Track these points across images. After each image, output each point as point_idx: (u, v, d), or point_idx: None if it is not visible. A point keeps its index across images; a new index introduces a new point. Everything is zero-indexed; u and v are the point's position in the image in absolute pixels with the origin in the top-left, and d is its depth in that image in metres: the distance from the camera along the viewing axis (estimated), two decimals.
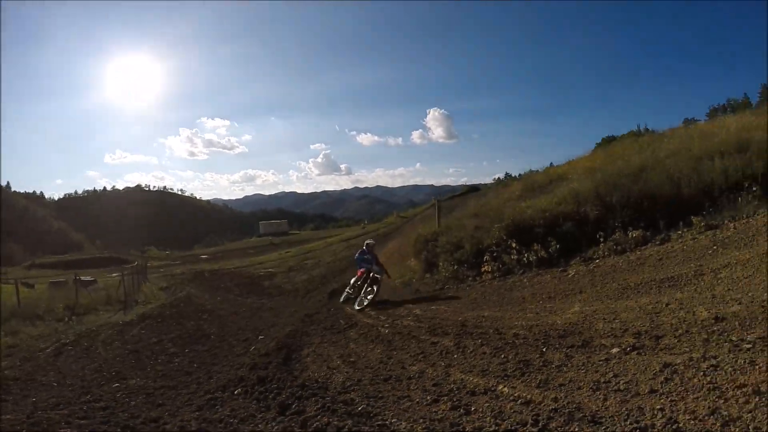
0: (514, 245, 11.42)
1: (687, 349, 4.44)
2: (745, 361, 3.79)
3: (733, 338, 4.44)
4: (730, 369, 3.73)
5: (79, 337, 10.50)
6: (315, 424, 4.25)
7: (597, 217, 11.28)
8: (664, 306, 6.22)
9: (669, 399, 3.52)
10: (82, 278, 20.91)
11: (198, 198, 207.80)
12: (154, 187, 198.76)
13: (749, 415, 3.04)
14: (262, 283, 23.00)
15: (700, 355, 4.16)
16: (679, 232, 10.10)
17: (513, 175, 30.36)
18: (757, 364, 3.68)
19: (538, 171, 22.52)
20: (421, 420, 4.07)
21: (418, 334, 7.65)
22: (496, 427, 3.70)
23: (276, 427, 4.40)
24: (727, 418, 3.06)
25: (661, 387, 3.74)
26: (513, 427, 3.64)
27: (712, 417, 3.12)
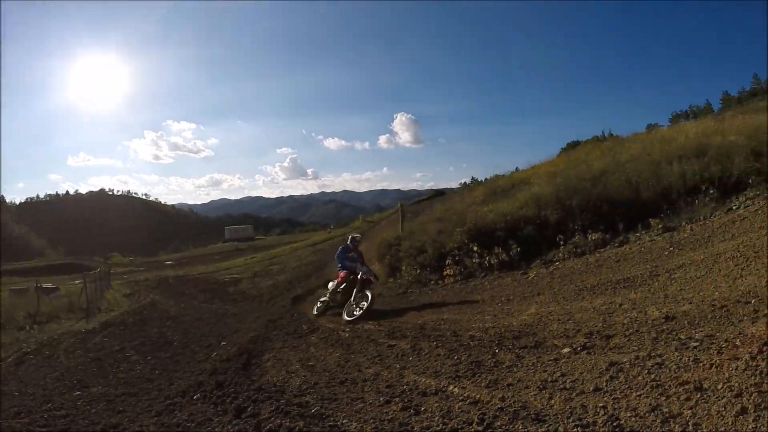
0: (475, 249, 11.46)
1: (635, 348, 4.48)
2: (689, 359, 3.82)
3: (681, 337, 4.49)
4: (674, 367, 3.76)
5: (41, 346, 10.25)
6: (268, 426, 4.30)
7: (557, 221, 11.37)
8: (617, 306, 6.28)
9: (612, 397, 3.54)
10: (44, 286, 20.33)
11: (163, 203, 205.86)
12: (118, 191, 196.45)
13: (689, 411, 3.07)
14: (227, 288, 22.73)
15: (646, 353, 4.20)
16: (638, 234, 10.24)
17: (479, 180, 30.45)
18: (701, 362, 3.71)
19: (503, 175, 22.62)
20: (372, 420, 4.11)
21: (377, 337, 7.66)
22: (443, 427, 3.72)
23: (231, 430, 4.46)
24: (667, 415, 3.09)
25: (606, 385, 3.76)
26: (459, 426, 3.66)
27: (652, 414, 3.15)
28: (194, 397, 5.79)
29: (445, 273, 11.89)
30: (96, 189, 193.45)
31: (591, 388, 3.77)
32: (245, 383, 6.11)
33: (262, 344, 8.72)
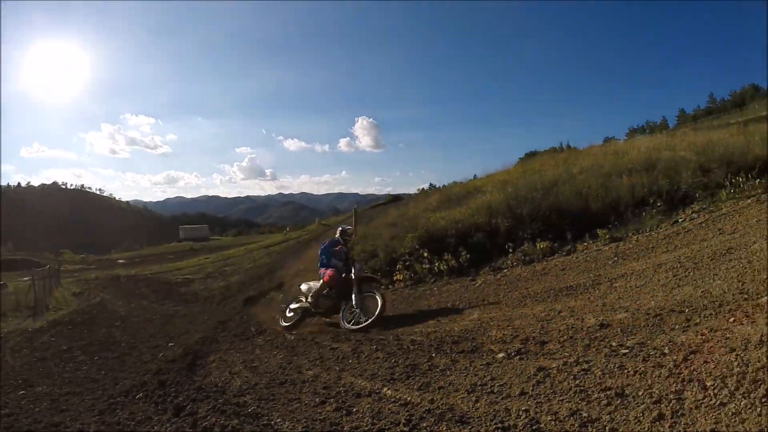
0: (425, 255, 11.43)
1: (567, 354, 4.53)
2: (615, 366, 3.89)
3: (613, 344, 4.56)
4: (599, 373, 3.83)
5: None
6: (204, 424, 4.40)
7: (508, 229, 11.43)
8: (556, 313, 6.34)
9: (536, 401, 3.59)
10: None
11: (118, 199, 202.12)
12: (72, 185, 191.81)
13: (608, 416, 3.14)
14: (179, 289, 22.26)
15: (574, 359, 4.27)
16: (585, 243, 10.38)
17: (437, 186, 30.50)
18: (626, 368, 3.78)
19: (459, 183, 22.67)
20: (305, 420, 4.18)
21: (321, 340, 7.67)
22: (372, 427, 3.79)
23: (169, 428, 4.52)
24: (586, 419, 3.15)
25: (532, 390, 3.81)
26: (387, 427, 3.74)
27: (571, 418, 3.21)
28: (137, 397, 5.80)
29: (395, 278, 11.77)
30: (49, 182, 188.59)
31: (517, 392, 3.83)
32: (187, 383, 6.12)
33: (209, 346, 8.62)
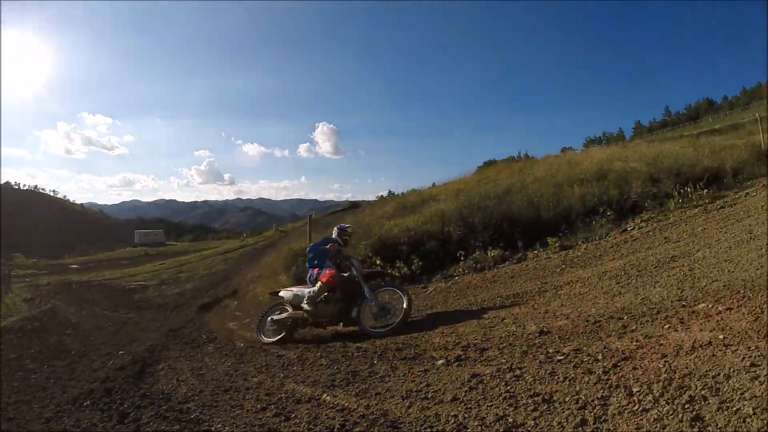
0: (378, 262, 11.37)
1: (504, 361, 4.58)
2: (546, 372, 3.96)
3: (550, 350, 4.62)
4: (531, 379, 3.89)
5: None
6: (147, 430, 4.57)
7: (460, 237, 11.52)
8: (500, 320, 6.39)
9: (466, 407, 3.65)
10: None
11: (71, 201, 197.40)
12: (25, 185, 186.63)
13: (533, 421, 3.19)
14: (133, 296, 21.75)
15: (508, 366, 4.33)
16: (536, 251, 10.52)
17: (396, 194, 30.55)
18: (557, 375, 3.85)
19: (416, 190, 22.69)
20: (244, 426, 4.25)
21: (269, 347, 7.69)
22: None
23: None
24: (511, 425, 3.21)
25: (464, 396, 3.88)
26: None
27: (498, 423, 3.28)
28: (84, 404, 5.82)
29: None
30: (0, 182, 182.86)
31: (449, 398, 3.88)
32: (133, 391, 6.14)
33: (159, 353, 8.52)
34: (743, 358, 3.34)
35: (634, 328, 4.75)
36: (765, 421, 2.64)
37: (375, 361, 5.62)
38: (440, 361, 5.03)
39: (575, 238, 10.68)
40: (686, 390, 3.07)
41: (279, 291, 9.11)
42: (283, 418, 4.25)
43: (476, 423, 3.33)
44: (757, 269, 5.85)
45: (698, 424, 2.76)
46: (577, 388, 3.46)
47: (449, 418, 3.50)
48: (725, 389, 3.00)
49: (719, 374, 3.18)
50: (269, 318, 8.44)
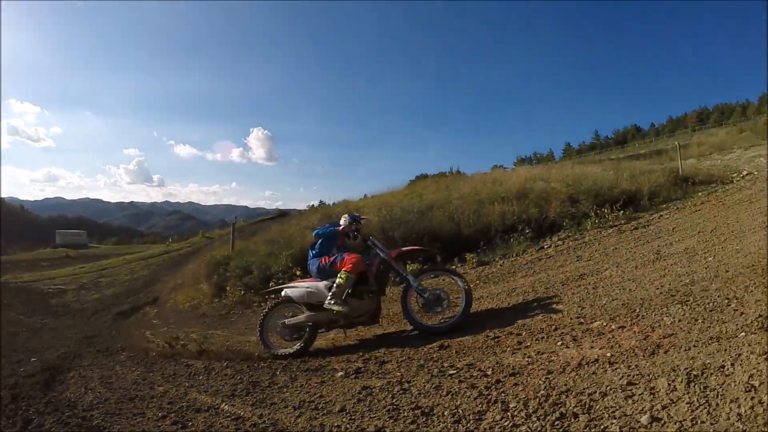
0: (297, 273, 11.27)
1: (399, 374, 4.70)
2: (433, 386, 4.07)
3: (445, 365, 4.74)
4: (416, 392, 4.00)
5: None
6: None
7: None
8: (407, 334, 6.55)
9: (350, 418, 3.75)
10: None
11: None
12: None
13: None
14: (50, 300, 21.00)
15: (398, 379, 4.46)
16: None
17: (328, 204, 30.47)
18: (442, 389, 3.96)
19: (351, 201, 22.71)
20: None
21: (180, 357, 7.58)
22: None
23: None
24: None
25: (351, 407, 3.97)
26: None
27: None
28: None
29: (267, 296, 11.56)
30: None
31: (337, 409, 3.98)
32: (40, 398, 6.03)
33: (72, 361, 8.31)
34: (622, 376, 3.48)
35: (529, 344, 4.92)
36: None
37: (278, 372, 5.67)
38: (340, 373, 5.10)
39: (493, 254, 10.93)
40: (560, 407, 3.19)
41: (274, 287, 8.09)
42: (180, 426, 4.29)
43: None
44: (657, 288, 6.17)
45: None
46: (458, 402, 3.55)
47: (333, 429, 3.59)
48: (597, 407, 3.11)
49: (596, 392, 3.30)
50: (281, 322, 6.76)
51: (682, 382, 3.17)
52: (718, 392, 2.97)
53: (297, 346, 6.51)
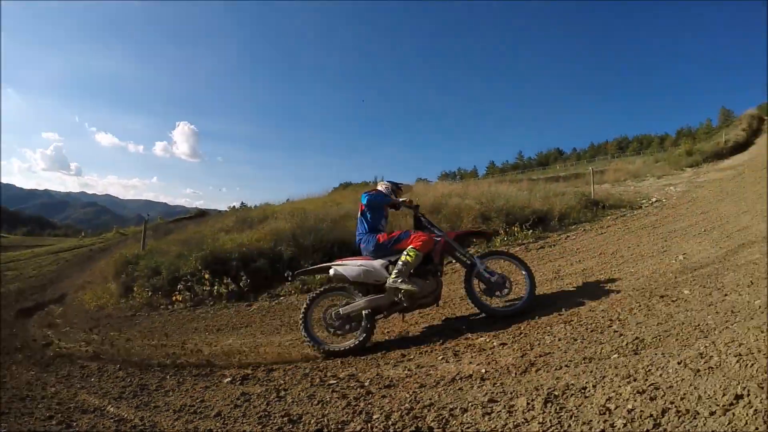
0: (207, 276, 11.21)
1: (282, 382, 4.87)
2: (307, 395, 4.26)
3: (328, 374, 4.95)
4: (290, 400, 4.18)
5: None
6: None
7: (291, 257, 11.67)
8: (299, 343, 6.67)
9: (224, 422, 3.88)
10: None
11: None
12: None
13: None
14: None
15: (277, 386, 4.63)
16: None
17: (249, 206, 30.13)
18: (315, 397, 4.15)
19: (273, 205, 22.61)
20: None
21: (77, 357, 7.46)
22: None
23: None
24: None
25: (228, 412, 4.09)
26: None
27: None
28: None
29: (174, 298, 11.42)
30: None
31: (214, 414, 4.09)
32: None
33: None
34: (486, 393, 3.66)
35: (413, 357, 5.19)
36: None
37: (167, 376, 5.68)
38: (227, 379, 5.19)
39: None
40: (419, 420, 3.37)
41: (314, 267, 7.09)
42: (65, 426, 4.30)
43: None
44: (548, 307, 6.49)
45: None
46: (326, 412, 3.73)
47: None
48: (454, 423, 3.28)
49: (457, 408, 3.46)
50: (334, 312, 6.14)
51: (540, 401, 3.31)
52: (572, 414, 3.11)
53: (357, 338, 5.95)
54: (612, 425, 2.90)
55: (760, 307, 4.71)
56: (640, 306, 5.69)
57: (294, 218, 13.88)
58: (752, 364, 3.27)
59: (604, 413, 3.03)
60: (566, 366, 4.08)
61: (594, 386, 3.44)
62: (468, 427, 3.19)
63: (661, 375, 3.42)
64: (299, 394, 4.25)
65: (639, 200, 16.84)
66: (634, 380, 3.41)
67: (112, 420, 4.32)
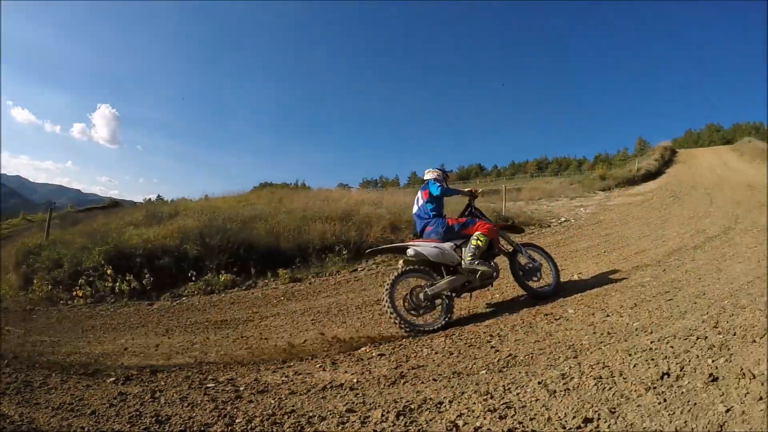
0: (109, 272, 11.08)
1: (162, 384, 4.99)
2: (179, 396, 4.42)
3: (209, 377, 5.11)
4: (164, 401, 4.33)
5: None
6: None
7: (197, 256, 11.72)
8: (191, 345, 6.81)
9: (96, 421, 3.95)
10: None
11: None
12: None
13: None
14: None
15: (153, 389, 4.73)
16: (266, 280, 11.05)
17: (165, 200, 29.56)
18: (187, 399, 4.32)
19: (189, 200, 22.27)
20: None
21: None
22: None
23: None
24: None
25: (103, 411, 4.16)
26: None
27: None
28: None
29: (75, 293, 11.20)
30: None
31: (89, 412, 4.15)
32: None
33: None
34: (347, 403, 3.87)
35: (293, 363, 5.43)
36: None
37: (53, 374, 5.65)
38: (111, 379, 5.24)
39: (308, 272, 11.46)
40: (277, 426, 3.57)
41: (389, 246, 7.71)
42: None
43: None
44: None
45: None
46: (194, 414, 3.91)
47: (78, 429, 3.79)
48: (309, 430, 3.48)
49: (316, 416, 3.65)
50: (423, 292, 6.51)
51: (394, 414, 3.49)
52: (421, 428, 3.28)
53: (443, 317, 6.46)
54: None
55: (637, 329, 5.04)
56: (523, 323, 6.04)
57: (203, 216, 13.88)
58: (610, 388, 3.48)
59: (452, 429, 3.20)
60: (434, 380, 4.28)
61: (450, 402, 3.63)
62: None
63: (518, 394, 3.62)
64: (173, 396, 4.39)
65: (549, 219, 17.69)
66: (491, 398, 3.62)
67: None
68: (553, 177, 63.09)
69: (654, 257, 9.61)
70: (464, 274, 6.67)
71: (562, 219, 17.70)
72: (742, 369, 3.35)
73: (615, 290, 7.18)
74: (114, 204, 31.91)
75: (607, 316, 5.74)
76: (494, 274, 6.80)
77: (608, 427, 2.97)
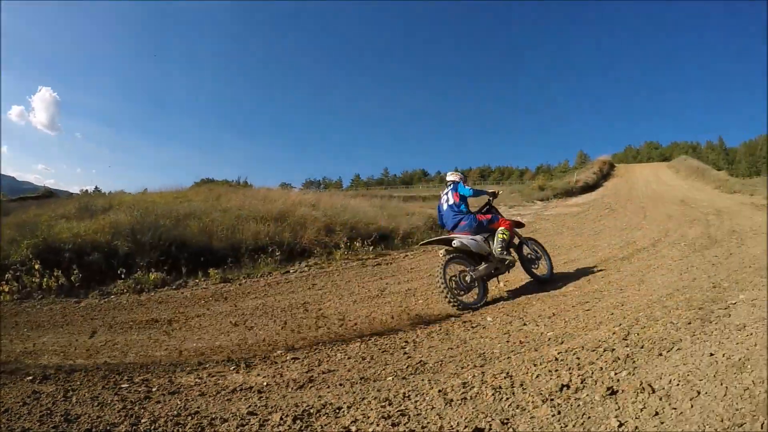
0: (37, 266, 10.96)
1: (78, 383, 5.12)
2: (92, 395, 4.59)
3: (124, 378, 5.26)
4: (75, 400, 4.48)
5: None
6: None
7: (127, 253, 11.69)
8: (112, 345, 6.92)
9: (9, 418, 4.06)
10: None
11: None
12: None
13: None
14: None
15: (68, 387, 4.90)
16: (197, 280, 11.16)
17: (103, 192, 29.08)
18: (98, 399, 4.48)
19: (128, 193, 22.05)
20: None
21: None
22: None
23: None
24: None
25: (17, 409, 4.27)
26: None
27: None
28: None
29: (0, 288, 11.04)
30: None
31: (2, 410, 4.25)
32: None
33: None
34: (251, 406, 4.00)
35: (207, 366, 5.60)
36: None
37: None
38: (29, 378, 5.32)
39: (239, 272, 11.60)
40: (179, 427, 3.71)
41: (438, 237, 8.80)
42: None
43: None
44: (363, 323, 7.22)
45: None
46: (103, 413, 4.07)
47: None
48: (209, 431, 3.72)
49: (218, 418, 3.78)
50: (470, 275, 7.88)
51: (291, 418, 3.63)
52: None
53: (482, 297, 7.88)
54: None
55: (549, 339, 5.30)
56: (440, 330, 6.34)
57: (135, 212, 13.80)
58: (507, 398, 3.59)
59: None
60: (340, 385, 4.43)
61: (349, 407, 3.76)
62: None
63: (415, 402, 3.75)
64: (85, 396, 4.53)
65: None
66: (390, 404, 3.74)
67: None
68: (494, 185, 64.68)
69: (580, 267, 10.11)
70: (494, 262, 8.07)
71: None
72: (642, 383, 3.48)
73: (537, 299, 7.59)
74: (49, 194, 30.97)
75: (524, 324, 6.03)
76: (515, 262, 8.37)
77: None
